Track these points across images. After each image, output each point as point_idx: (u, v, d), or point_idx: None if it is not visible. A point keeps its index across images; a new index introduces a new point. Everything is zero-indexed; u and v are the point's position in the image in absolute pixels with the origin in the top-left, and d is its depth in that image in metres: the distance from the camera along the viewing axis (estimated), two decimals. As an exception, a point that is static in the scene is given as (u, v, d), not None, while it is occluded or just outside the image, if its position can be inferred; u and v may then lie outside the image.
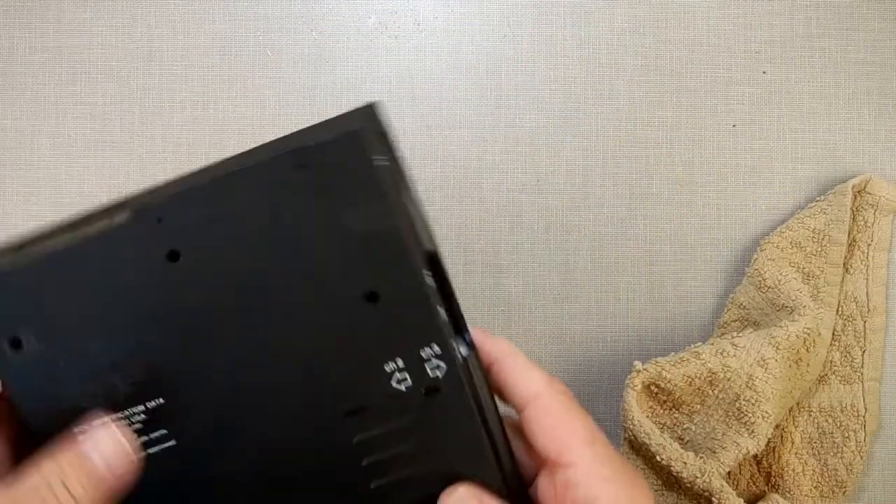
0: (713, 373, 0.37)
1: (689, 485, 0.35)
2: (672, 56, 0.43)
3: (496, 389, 0.29)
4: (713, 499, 0.35)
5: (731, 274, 0.42)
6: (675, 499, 0.37)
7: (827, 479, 0.40)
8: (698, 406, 0.38)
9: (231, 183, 0.28)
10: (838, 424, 0.40)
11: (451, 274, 0.29)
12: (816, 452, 0.40)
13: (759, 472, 0.41)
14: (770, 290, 0.40)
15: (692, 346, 0.39)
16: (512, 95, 0.43)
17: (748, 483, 0.40)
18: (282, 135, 0.28)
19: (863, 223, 0.41)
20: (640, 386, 0.37)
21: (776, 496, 0.38)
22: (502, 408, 0.29)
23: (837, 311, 0.40)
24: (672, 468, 0.35)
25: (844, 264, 0.41)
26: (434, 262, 0.29)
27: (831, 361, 0.40)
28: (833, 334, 0.40)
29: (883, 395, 0.41)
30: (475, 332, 0.29)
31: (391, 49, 0.43)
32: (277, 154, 0.28)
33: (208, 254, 0.28)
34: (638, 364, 0.38)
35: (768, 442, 0.40)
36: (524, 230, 0.41)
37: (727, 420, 0.37)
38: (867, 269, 0.41)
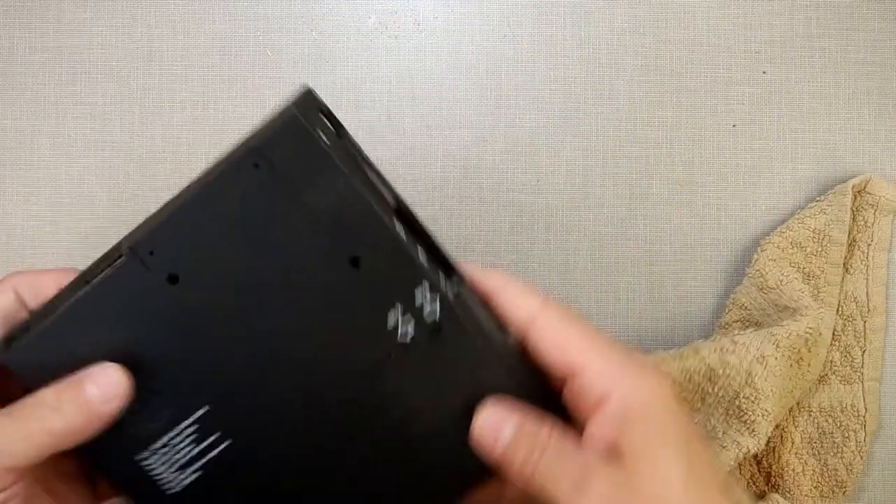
0: (712, 369, 0.37)
1: None
2: (672, 56, 0.43)
3: (497, 322, 0.30)
4: None
5: (731, 274, 0.42)
6: None
7: (827, 479, 0.40)
8: (699, 405, 0.38)
9: (203, 200, 0.30)
10: (838, 424, 0.40)
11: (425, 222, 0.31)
12: (816, 452, 0.40)
13: (760, 471, 0.41)
14: (772, 290, 0.40)
15: (693, 342, 0.39)
16: (512, 95, 0.43)
17: (748, 483, 0.40)
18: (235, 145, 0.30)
19: (863, 223, 0.41)
20: None
21: (776, 496, 0.38)
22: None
23: (837, 310, 0.40)
24: None
25: (844, 264, 0.41)
26: (401, 213, 0.31)
27: (831, 361, 0.40)
28: (833, 334, 0.40)
29: (883, 395, 0.41)
30: (468, 267, 0.30)
31: (391, 49, 0.43)
32: (234, 161, 0.30)
33: (202, 268, 0.30)
34: None
35: (768, 441, 0.40)
36: (524, 230, 0.41)
37: (727, 419, 0.37)
38: (867, 269, 0.41)
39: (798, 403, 0.40)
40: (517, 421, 0.29)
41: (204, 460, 0.32)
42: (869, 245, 0.41)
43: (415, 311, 0.31)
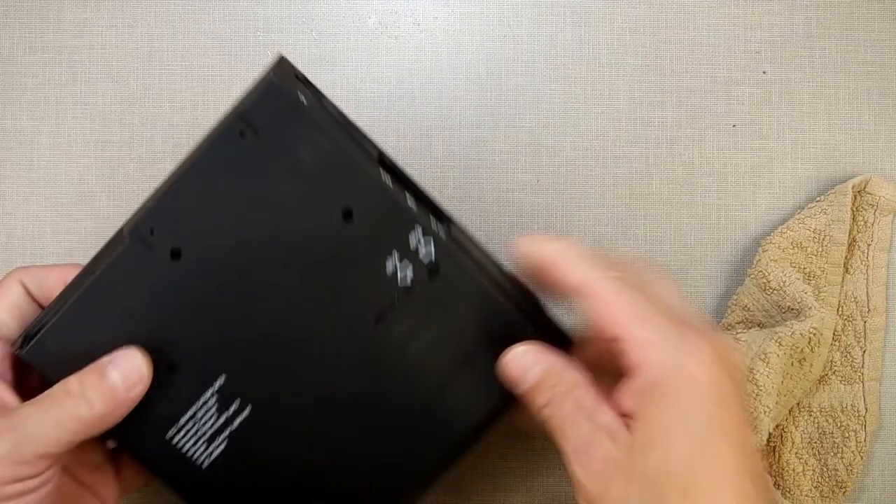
0: None
1: None
2: (672, 56, 0.43)
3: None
4: None
5: (732, 274, 0.42)
6: None
7: (827, 479, 0.40)
8: None
9: (194, 174, 0.31)
10: (838, 424, 0.40)
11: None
12: (816, 452, 0.40)
13: None
14: (775, 291, 0.40)
15: None
16: (512, 95, 0.43)
17: None
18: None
19: (863, 223, 0.41)
20: None
21: (776, 495, 0.38)
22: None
23: (838, 310, 0.40)
24: None
25: (844, 264, 0.41)
26: (385, 163, 0.32)
27: (831, 361, 0.40)
28: (833, 334, 0.40)
29: (883, 395, 0.41)
30: (536, 238, 0.30)
31: (391, 49, 0.43)
32: (220, 132, 0.31)
33: (202, 240, 0.31)
34: None
35: (769, 441, 0.40)
36: (524, 230, 0.41)
37: None
38: (867, 269, 0.41)
39: (798, 403, 0.40)
40: (547, 365, 0.29)
41: (229, 430, 0.32)
42: (869, 245, 0.41)
43: (411, 256, 0.32)
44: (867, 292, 0.41)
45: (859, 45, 0.43)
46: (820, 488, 0.40)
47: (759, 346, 0.37)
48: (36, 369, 0.31)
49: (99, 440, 0.33)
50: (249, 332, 0.32)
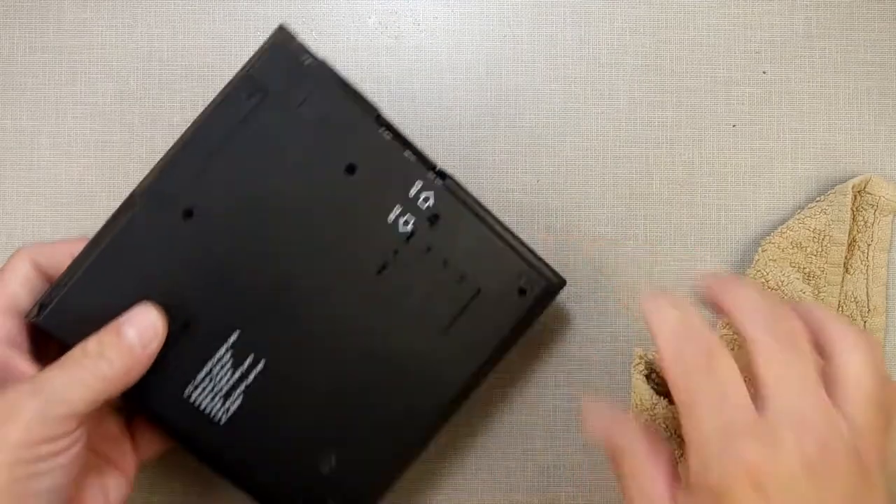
0: None
1: None
2: (672, 56, 0.43)
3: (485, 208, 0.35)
4: None
5: (731, 274, 0.42)
6: None
7: None
8: None
9: (204, 136, 0.33)
10: None
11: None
12: None
13: None
14: (773, 291, 0.39)
15: None
16: (512, 95, 0.43)
17: None
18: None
19: (863, 223, 0.41)
20: (644, 369, 0.37)
21: None
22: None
23: (838, 310, 0.40)
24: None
25: (844, 264, 0.40)
26: (381, 121, 0.34)
27: None
28: None
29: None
30: (719, 281, 0.29)
31: (391, 49, 0.43)
32: (227, 94, 0.33)
33: (213, 199, 0.33)
34: (639, 350, 0.38)
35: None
36: (524, 230, 0.40)
37: None
38: (867, 269, 0.41)
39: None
40: (620, 429, 0.29)
41: (244, 384, 0.33)
42: (869, 245, 0.41)
43: (412, 207, 0.34)
44: (867, 292, 0.41)
45: (859, 45, 0.43)
46: None
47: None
48: (53, 336, 0.32)
49: (113, 407, 0.34)
50: (260, 287, 0.33)
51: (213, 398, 0.33)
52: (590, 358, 0.42)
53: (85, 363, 0.30)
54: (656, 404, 0.38)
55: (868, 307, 0.40)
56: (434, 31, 0.43)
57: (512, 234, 0.36)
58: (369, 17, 0.43)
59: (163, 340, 0.32)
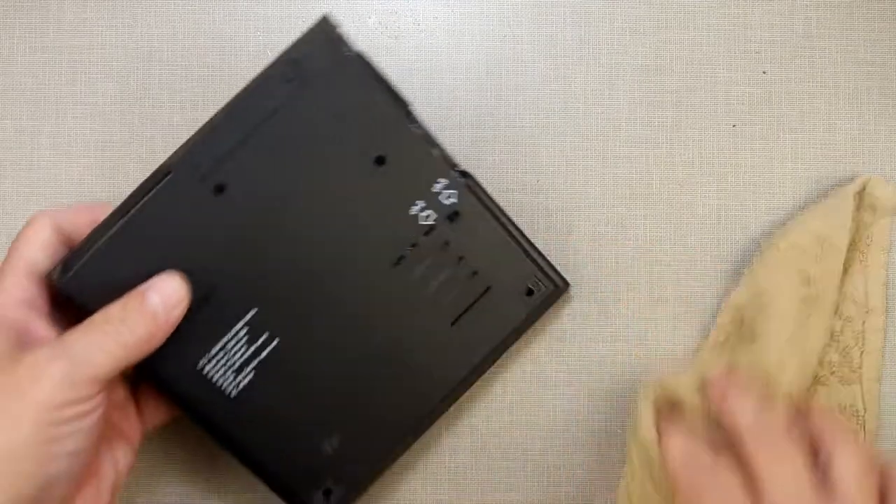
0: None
1: None
2: (672, 56, 0.43)
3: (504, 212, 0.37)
4: None
5: (731, 274, 0.42)
6: None
7: None
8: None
9: (240, 114, 0.33)
10: None
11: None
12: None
13: None
14: (764, 294, 0.39)
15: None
16: (512, 95, 0.43)
17: None
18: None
19: (861, 223, 0.41)
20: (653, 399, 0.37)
21: None
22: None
23: (836, 312, 0.40)
24: None
25: (843, 265, 0.40)
26: (412, 117, 0.35)
27: (830, 362, 0.40)
28: (832, 335, 0.40)
29: (883, 395, 0.41)
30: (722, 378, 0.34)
31: (391, 49, 0.43)
32: (267, 76, 0.33)
33: (245, 177, 0.33)
34: (651, 381, 0.37)
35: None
36: (524, 230, 0.40)
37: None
38: (865, 270, 0.41)
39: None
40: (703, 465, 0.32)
41: (256, 361, 0.34)
42: (868, 245, 0.41)
43: (434, 202, 0.35)
44: (865, 293, 0.41)
45: (859, 45, 0.43)
46: None
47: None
48: (73, 300, 0.32)
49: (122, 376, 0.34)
50: (281, 268, 0.34)
51: (225, 372, 0.34)
52: (590, 358, 0.42)
53: (108, 328, 0.30)
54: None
55: (867, 307, 0.40)
56: (434, 31, 0.43)
57: (524, 236, 0.37)
58: (369, 17, 0.43)
59: (185, 309, 0.32)
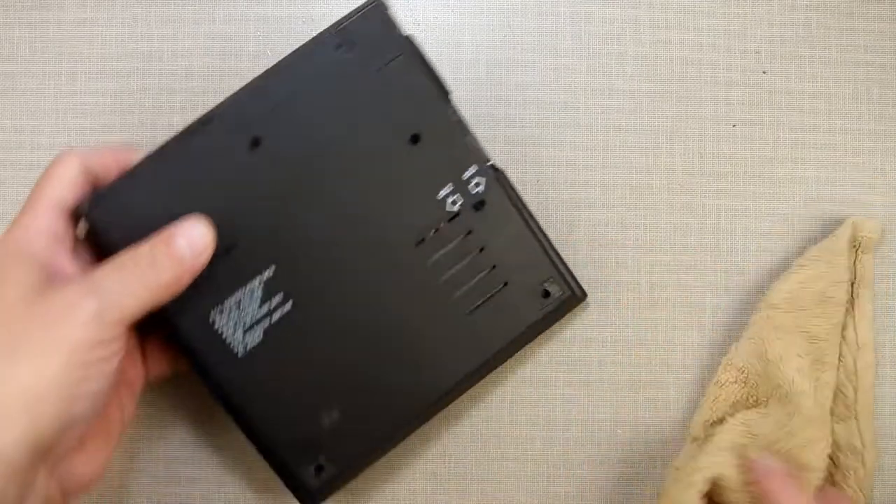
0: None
1: None
2: (672, 56, 0.43)
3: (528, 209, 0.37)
4: None
5: (732, 274, 0.42)
6: None
7: None
8: None
9: (289, 73, 0.34)
10: (837, 464, 0.40)
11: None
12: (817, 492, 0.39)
13: None
14: (771, 363, 0.39)
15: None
16: (512, 95, 0.43)
17: None
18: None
19: (857, 264, 0.41)
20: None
21: None
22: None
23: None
24: None
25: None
26: (451, 103, 0.36)
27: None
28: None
29: (881, 427, 0.41)
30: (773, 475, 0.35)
31: (391, 49, 0.43)
32: (319, 40, 0.34)
33: (282, 135, 0.34)
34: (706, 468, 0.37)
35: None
36: (524, 230, 0.41)
37: None
38: (854, 307, 0.40)
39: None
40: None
41: (268, 322, 0.34)
42: (852, 283, 0.40)
43: (463, 189, 0.35)
44: (855, 330, 0.40)
45: (859, 45, 0.43)
46: None
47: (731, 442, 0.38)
48: (100, 235, 0.32)
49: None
50: (304, 231, 0.34)
51: (234, 328, 0.34)
52: (590, 358, 0.42)
53: (134, 270, 0.30)
54: None
55: (857, 344, 0.40)
56: (434, 31, 0.43)
57: (548, 239, 0.37)
58: (369, 17, 0.43)
59: (210, 254, 0.31)
